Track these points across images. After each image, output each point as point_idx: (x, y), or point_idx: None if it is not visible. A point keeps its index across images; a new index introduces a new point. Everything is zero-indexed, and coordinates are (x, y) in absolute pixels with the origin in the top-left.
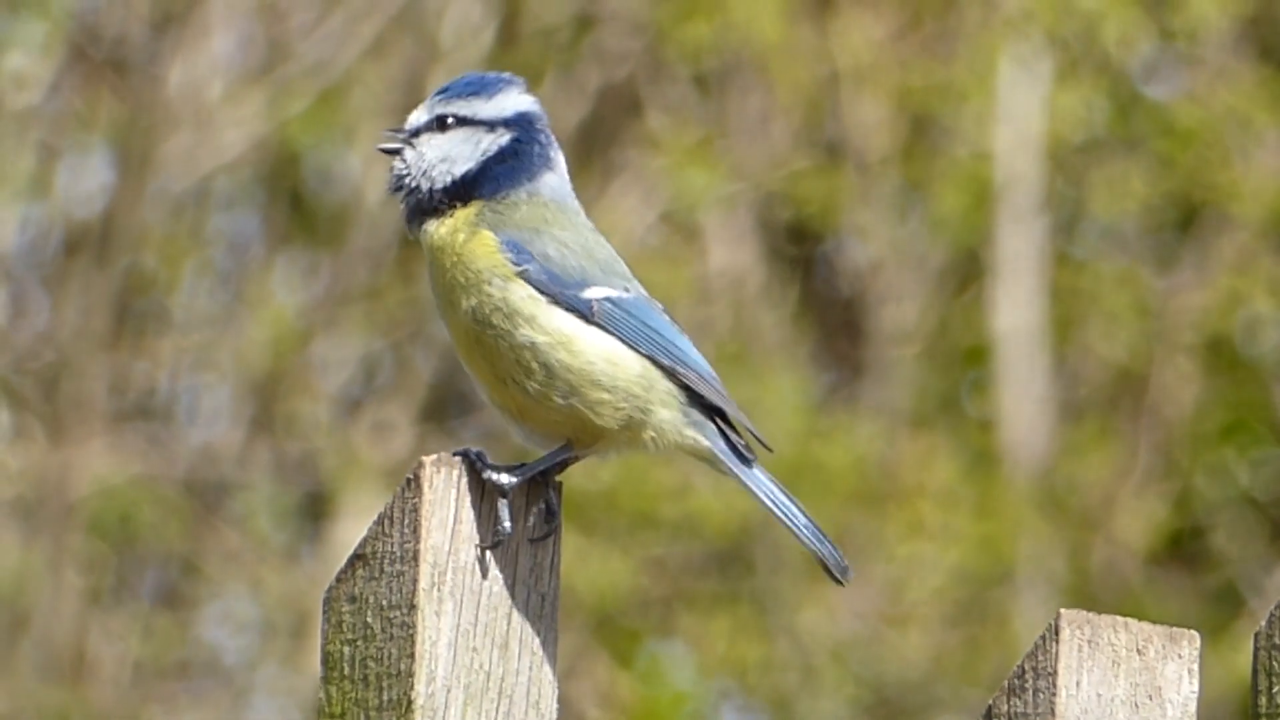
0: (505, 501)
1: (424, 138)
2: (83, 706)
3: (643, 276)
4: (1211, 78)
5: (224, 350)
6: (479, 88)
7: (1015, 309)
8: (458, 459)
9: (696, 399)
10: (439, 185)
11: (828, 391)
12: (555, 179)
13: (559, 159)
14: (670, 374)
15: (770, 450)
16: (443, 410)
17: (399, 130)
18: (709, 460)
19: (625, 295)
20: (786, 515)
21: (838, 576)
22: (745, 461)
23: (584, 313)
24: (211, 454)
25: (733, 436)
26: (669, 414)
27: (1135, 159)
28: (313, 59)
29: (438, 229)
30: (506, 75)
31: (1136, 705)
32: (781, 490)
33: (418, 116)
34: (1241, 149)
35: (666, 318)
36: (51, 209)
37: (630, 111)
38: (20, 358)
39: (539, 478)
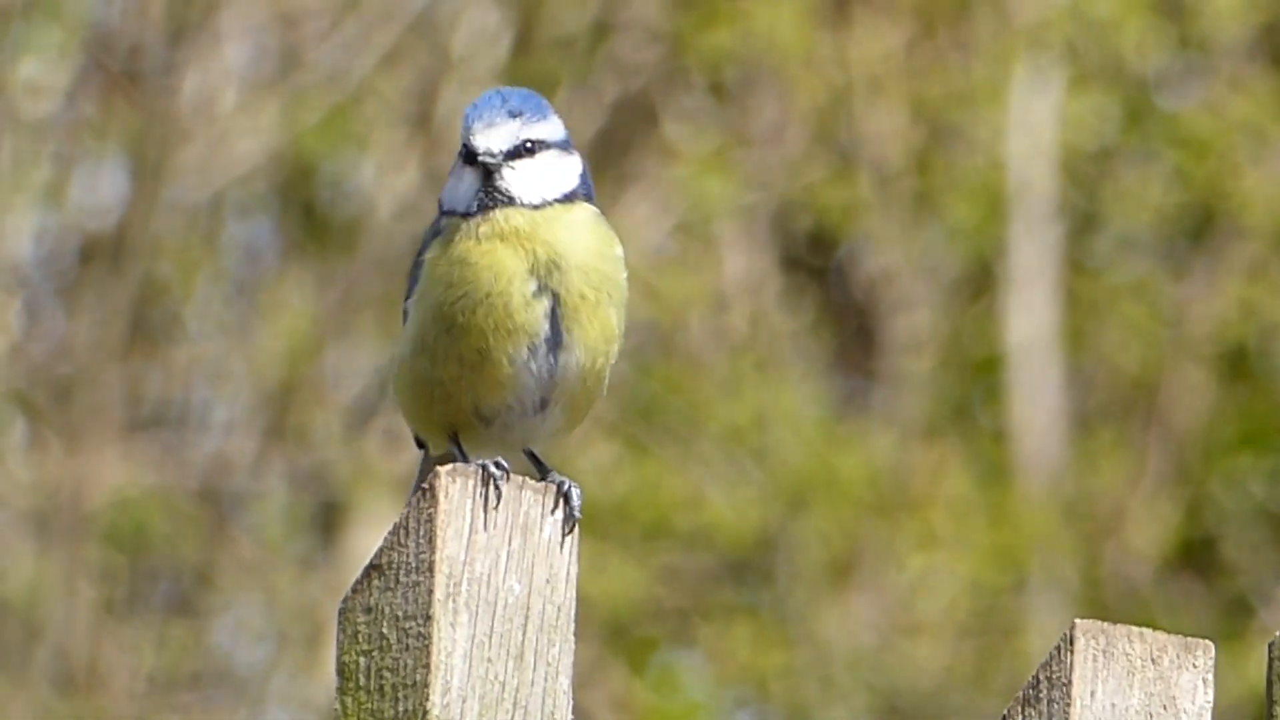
0: (492, 463)
1: (518, 163)
2: (97, 717)
3: (659, 285)
4: (1226, 87)
5: (238, 360)
6: (540, 111)
7: (1029, 318)
8: (474, 469)
9: None
10: (551, 197)
11: (842, 400)
12: None
13: None
14: None
15: None
16: None
17: (491, 155)
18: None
19: None
20: None
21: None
22: None
23: None
24: (225, 464)
25: None
26: None
27: (1149, 168)
28: (326, 69)
29: (567, 211)
30: (539, 94)
31: (1151, 715)
32: None
33: (501, 140)
34: (1255, 158)
35: None
36: (66, 219)
37: (646, 120)
38: (35, 368)
39: (550, 479)
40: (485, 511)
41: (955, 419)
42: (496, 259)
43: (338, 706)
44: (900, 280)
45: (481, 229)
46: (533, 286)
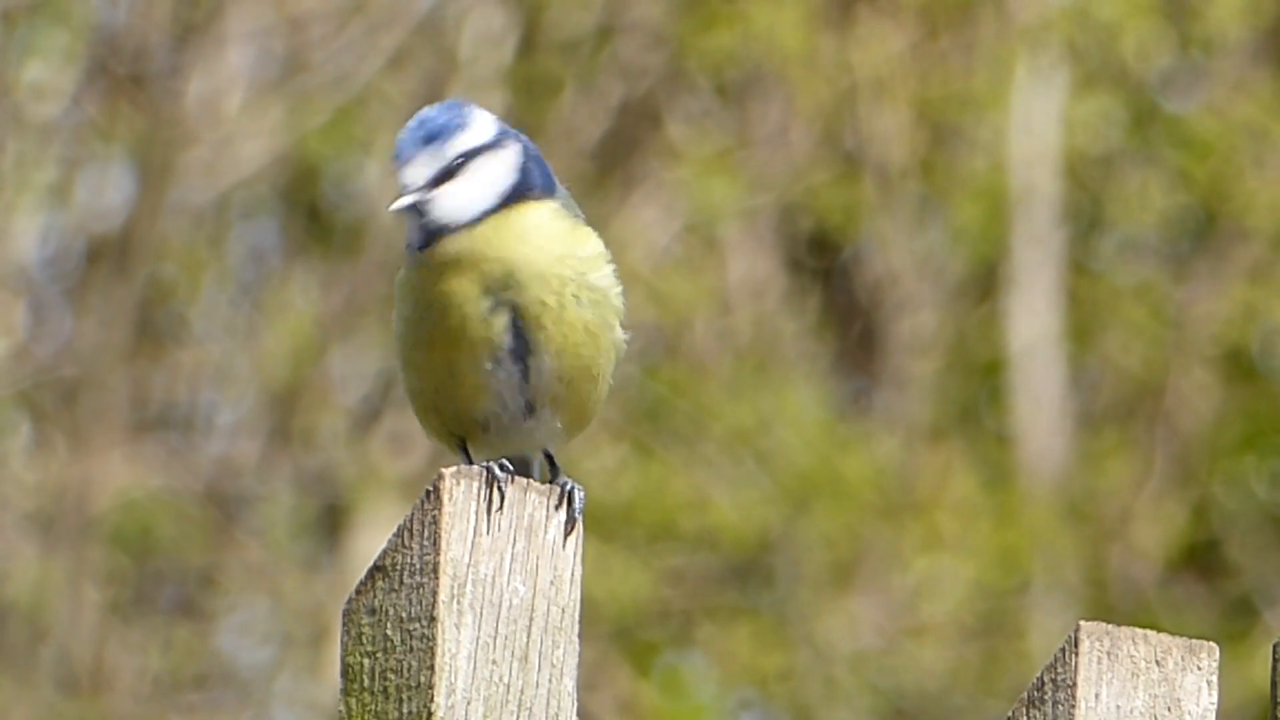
0: (497, 465)
1: (446, 186)
2: (102, 718)
3: (663, 287)
4: (1229, 89)
5: (243, 362)
6: (459, 120)
7: (1033, 320)
8: (478, 471)
9: None
10: (488, 206)
11: (846, 402)
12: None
13: None
14: None
15: None
16: None
17: (408, 190)
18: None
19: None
20: None
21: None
22: None
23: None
24: (231, 466)
25: None
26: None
27: (1152, 170)
28: (331, 71)
29: (516, 214)
30: (459, 101)
31: (1156, 717)
32: None
33: (422, 170)
34: (1258, 160)
35: None
36: (71, 221)
37: (651, 122)
38: (40, 369)
39: (557, 482)
40: (489, 514)
41: (959, 421)
42: (447, 287)
43: (342, 708)
44: (904, 282)
45: (433, 260)
46: (487, 304)
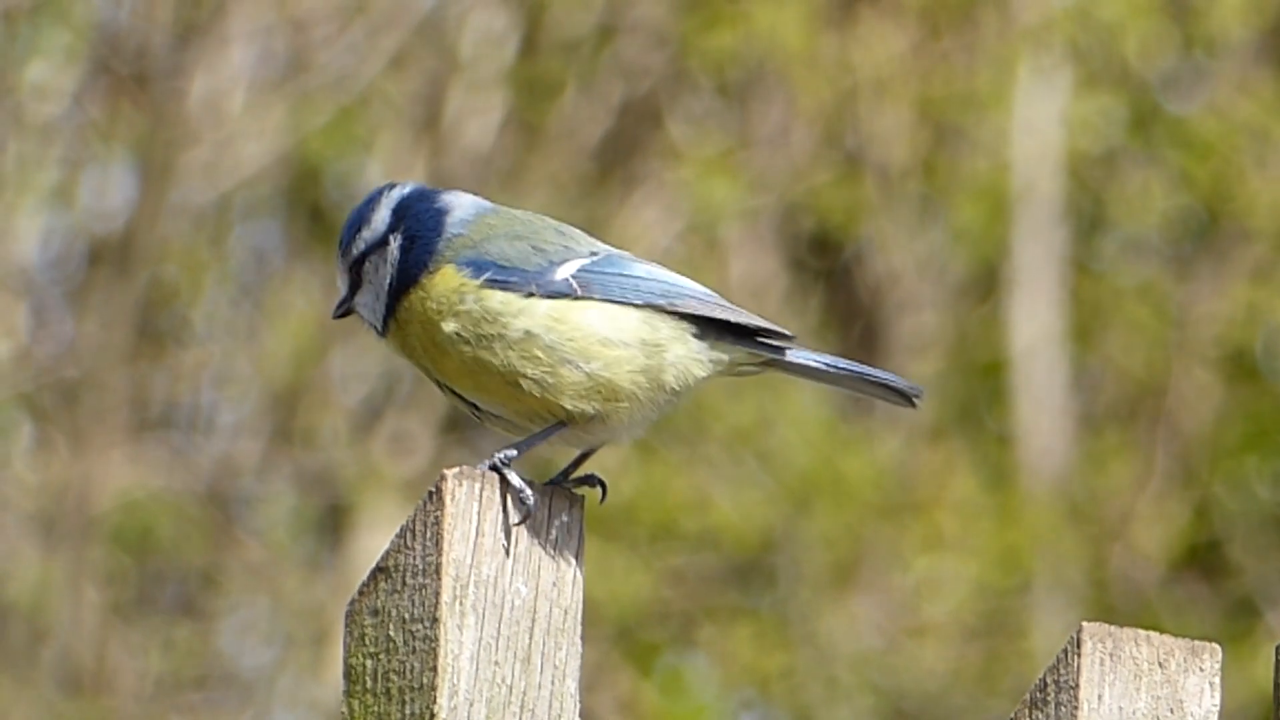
0: (512, 470)
1: (358, 295)
2: (103, 718)
3: None
4: (1231, 89)
5: (244, 362)
6: (359, 221)
7: (1034, 320)
8: (479, 471)
9: (706, 326)
10: (385, 309)
11: (847, 402)
12: (468, 203)
13: (458, 195)
14: (671, 312)
15: (791, 337)
16: (462, 422)
17: (340, 299)
18: (741, 367)
19: (596, 258)
20: (841, 368)
21: (913, 396)
22: (778, 350)
23: (566, 293)
24: (232, 466)
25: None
26: (683, 348)
27: (1154, 170)
28: (333, 71)
29: (404, 299)
30: (374, 189)
31: (1158, 718)
32: (823, 355)
33: (343, 278)
34: (1260, 160)
35: (645, 263)
36: (73, 221)
37: (652, 122)
38: (42, 370)
39: (566, 484)
40: (506, 522)
41: (961, 421)
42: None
43: (345, 709)
44: (906, 282)
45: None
46: (435, 386)
